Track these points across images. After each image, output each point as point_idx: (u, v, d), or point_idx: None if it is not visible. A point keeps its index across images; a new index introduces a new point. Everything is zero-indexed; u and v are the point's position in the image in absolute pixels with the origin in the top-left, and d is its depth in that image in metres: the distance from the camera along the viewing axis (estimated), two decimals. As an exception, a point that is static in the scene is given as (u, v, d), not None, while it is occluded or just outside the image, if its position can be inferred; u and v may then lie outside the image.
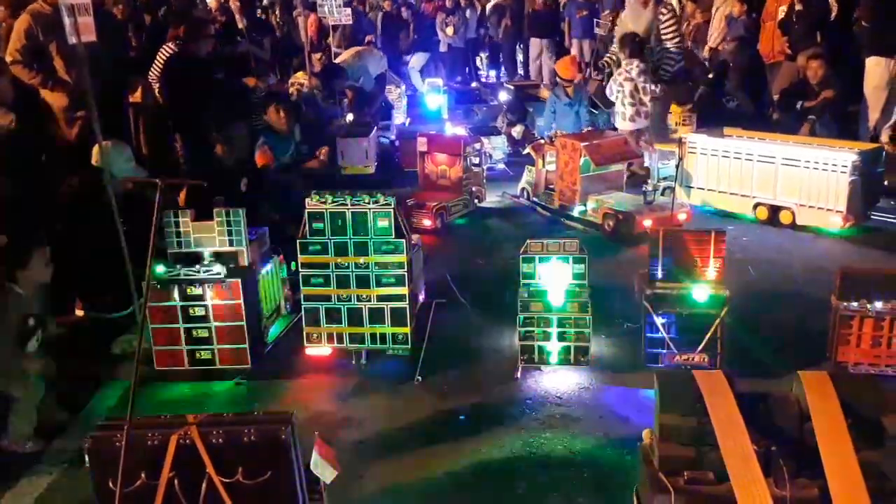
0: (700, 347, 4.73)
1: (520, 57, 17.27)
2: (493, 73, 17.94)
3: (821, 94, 8.96)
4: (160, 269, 4.86)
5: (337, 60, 11.83)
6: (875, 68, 9.09)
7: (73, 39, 5.22)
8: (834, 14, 10.30)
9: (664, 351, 4.79)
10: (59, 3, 5.17)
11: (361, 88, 11.51)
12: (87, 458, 2.90)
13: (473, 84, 15.65)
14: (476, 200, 8.53)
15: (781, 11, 10.46)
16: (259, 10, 13.31)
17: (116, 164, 5.78)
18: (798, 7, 10.15)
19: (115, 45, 7.61)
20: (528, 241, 5.01)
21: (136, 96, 8.44)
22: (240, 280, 4.92)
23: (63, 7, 5.11)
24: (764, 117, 9.79)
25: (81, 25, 5.23)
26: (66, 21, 5.12)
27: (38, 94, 7.00)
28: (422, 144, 8.53)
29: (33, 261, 4.54)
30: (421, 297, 5.73)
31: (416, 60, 15.69)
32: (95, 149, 5.79)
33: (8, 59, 6.72)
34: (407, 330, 5.11)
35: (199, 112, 8.03)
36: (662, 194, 7.91)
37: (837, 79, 9.16)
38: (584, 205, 7.86)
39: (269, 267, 5.48)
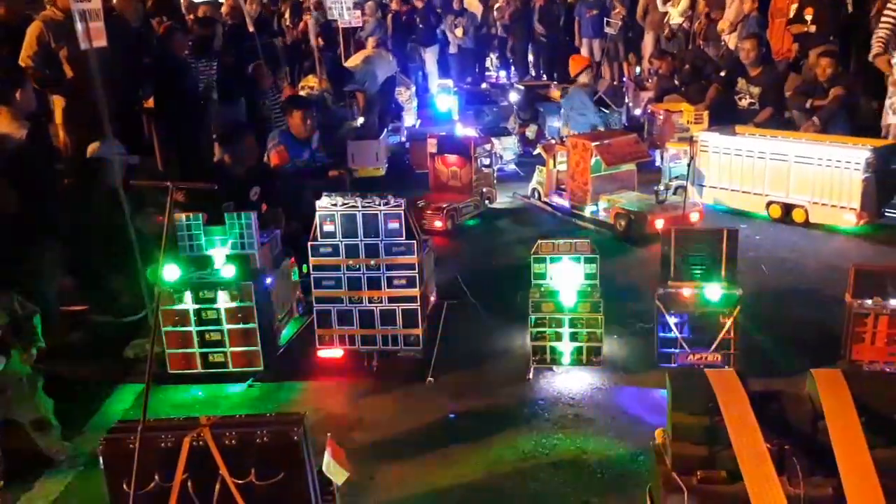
0: (713, 346, 4.71)
1: (530, 57, 17.25)
2: (503, 73, 17.94)
3: (830, 91, 8.85)
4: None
5: (346, 64, 11.83)
6: None
7: (84, 45, 5.26)
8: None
9: (677, 350, 4.77)
10: (71, 9, 5.22)
11: (368, 91, 11.51)
12: (101, 461, 2.92)
13: (483, 85, 15.63)
14: (487, 201, 8.52)
15: (793, 9, 10.36)
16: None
17: (109, 154, 5.85)
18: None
19: (127, 50, 7.64)
20: (540, 241, 5.00)
21: (150, 102, 8.51)
22: (252, 283, 4.94)
23: (75, 13, 5.16)
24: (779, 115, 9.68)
25: (93, 31, 5.28)
26: (79, 27, 5.17)
27: (47, 101, 7.07)
28: (432, 146, 8.53)
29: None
30: (432, 299, 5.73)
31: (430, 61, 15.67)
32: (91, 146, 5.90)
33: (20, 64, 6.77)
34: (419, 331, 5.11)
35: (189, 115, 8.06)
36: (675, 193, 7.88)
37: (848, 76, 9.02)
38: (596, 205, 7.85)
39: (280, 269, 5.49)
